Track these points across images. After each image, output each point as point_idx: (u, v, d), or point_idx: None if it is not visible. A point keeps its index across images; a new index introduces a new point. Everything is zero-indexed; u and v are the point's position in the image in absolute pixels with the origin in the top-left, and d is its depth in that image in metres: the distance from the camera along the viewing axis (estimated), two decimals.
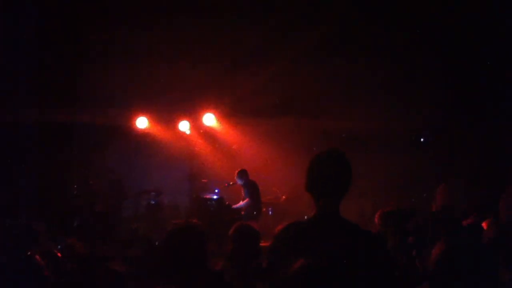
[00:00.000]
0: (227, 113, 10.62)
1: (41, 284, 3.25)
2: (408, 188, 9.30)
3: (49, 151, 9.03)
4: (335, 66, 8.79)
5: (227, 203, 8.92)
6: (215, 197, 9.22)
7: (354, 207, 7.85)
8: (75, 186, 9.60)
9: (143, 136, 10.69)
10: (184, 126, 10.78)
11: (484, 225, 3.82)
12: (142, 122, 10.52)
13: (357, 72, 8.98)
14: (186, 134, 10.97)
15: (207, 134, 11.19)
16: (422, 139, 10.24)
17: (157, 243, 6.41)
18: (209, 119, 10.68)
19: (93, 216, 8.41)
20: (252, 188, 8.76)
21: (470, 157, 9.03)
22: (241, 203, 8.82)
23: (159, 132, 10.94)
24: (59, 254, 3.87)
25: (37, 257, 3.40)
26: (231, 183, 9.16)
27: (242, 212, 8.71)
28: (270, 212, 9.96)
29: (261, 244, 3.66)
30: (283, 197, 10.35)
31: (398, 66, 8.75)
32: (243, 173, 8.74)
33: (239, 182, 8.77)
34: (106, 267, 3.01)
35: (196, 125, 10.91)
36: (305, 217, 2.43)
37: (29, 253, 3.43)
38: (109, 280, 2.86)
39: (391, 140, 9.75)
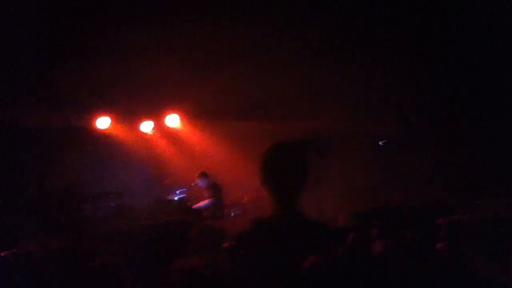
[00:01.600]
0: (191, 115, 10.56)
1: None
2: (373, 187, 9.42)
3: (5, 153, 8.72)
4: (304, 67, 8.86)
5: (188, 203, 8.92)
6: (176, 198, 9.18)
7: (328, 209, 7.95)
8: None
9: (104, 136, 10.47)
10: (146, 126, 10.64)
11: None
12: (103, 122, 10.30)
13: (324, 73, 9.01)
14: (148, 135, 10.84)
15: (170, 135, 11.10)
16: (380, 143, 10.42)
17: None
18: (173, 120, 10.59)
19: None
20: (213, 189, 8.80)
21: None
22: (202, 203, 8.84)
23: (121, 132, 10.75)
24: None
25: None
26: (192, 184, 9.15)
27: (204, 214, 8.70)
28: (232, 214, 9.97)
29: (225, 245, 3.67)
30: (245, 198, 10.38)
31: (373, 64, 8.75)
32: (203, 175, 8.81)
33: (200, 183, 8.82)
34: (104, 260, 2.95)
35: (159, 126, 10.80)
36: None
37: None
38: (108, 271, 2.80)
39: (356, 143, 9.91)
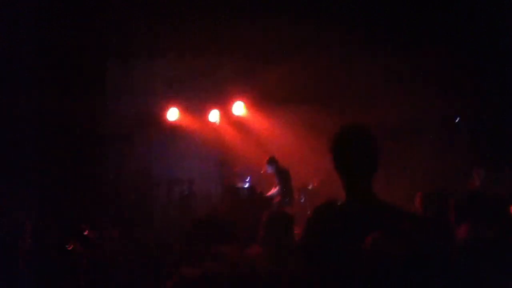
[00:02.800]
0: (257, 101, 10.58)
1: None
2: (444, 171, 9.13)
3: (79, 141, 9.23)
4: (364, 56, 8.71)
5: (259, 191, 8.94)
6: (246, 186, 9.24)
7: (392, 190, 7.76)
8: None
9: (174, 126, 10.78)
10: (214, 115, 10.82)
11: None
12: (173, 114, 10.60)
13: (387, 62, 8.85)
14: (216, 123, 11.01)
15: (237, 123, 11.20)
16: (457, 119, 10.01)
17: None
18: (239, 108, 10.67)
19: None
20: (283, 175, 8.75)
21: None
22: (273, 190, 8.82)
23: (190, 122, 11.01)
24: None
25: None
26: (262, 171, 9.16)
27: (275, 200, 8.71)
28: (302, 199, 9.92)
29: (295, 231, 3.63)
30: (315, 183, 10.28)
31: (425, 55, 8.57)
32: (272, 161, 8.74)
33: (269, 170, 8.78)
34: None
35: (226, 114, 10.93)
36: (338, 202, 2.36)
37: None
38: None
39: (423, 126, 9.62)
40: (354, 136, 2.16)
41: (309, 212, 2.27)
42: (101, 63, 8.75)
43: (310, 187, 10.19)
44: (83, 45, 8.25)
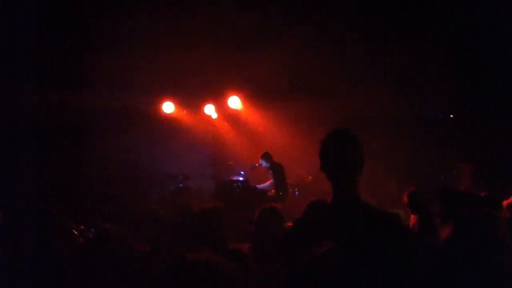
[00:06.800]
0: (252, 96, 10.61)
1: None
2: (432, 168, 9.20)
3: (73, 135, 9.23)
4: (361, 51, 8.76)
5: (252, 184, 9.00)
6: (240, 179, 9.29)
7: (378, 186, 7.84)
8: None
9: (169, 120, 10.80)
10: (209, 109, 10.84)
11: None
12: (168, 107, 10.63)
13: (379, 55, 8.89)
14: (211, 117, 11.03)
15: (232, 117, 11.23)
16: (440, 117, 10.07)
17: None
18: (234, 102, 10.70)
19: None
20: (277, 170, 8.81)
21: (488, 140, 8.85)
22: (266, 184, 8.89)
23: (185, 116, 11.04)
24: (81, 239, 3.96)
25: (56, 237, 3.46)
26: (256, 165, 9.22)
27: (269, 193, 8.78)
28: (296, 193, 9.98)
29: (287, 225, 3.68)
30: (309, 177, 10.34)
31: (414, 48, 8.61)
32: (266, 155, 8.81)
33: (264, 164, 8.84)
34: (131, 246, 3.08)
35: (222, 108, 10.95)
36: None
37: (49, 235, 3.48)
38: (134, 259, 2.93)
39: (411, 121, 9.67)
40: (339, 141, 2.26)
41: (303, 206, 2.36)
42: (92, 57, 8.73)
43: (303, 181, 10.26)
44: (73, 38, 8.25)
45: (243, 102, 10.74)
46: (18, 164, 7.03)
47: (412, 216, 4.08)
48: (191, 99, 10.65)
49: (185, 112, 11.05)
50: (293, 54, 8.89)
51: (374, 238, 1.99)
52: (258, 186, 9.01)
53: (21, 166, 7.00)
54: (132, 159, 10.17)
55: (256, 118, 11.11)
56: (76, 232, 3.63)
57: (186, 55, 8.91)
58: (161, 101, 10.57)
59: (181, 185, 10.03)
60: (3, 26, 6.68)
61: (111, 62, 8.42)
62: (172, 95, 10.54)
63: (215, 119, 11.11)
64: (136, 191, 9.53)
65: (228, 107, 10.77)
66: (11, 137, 7.32)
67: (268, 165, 8.84)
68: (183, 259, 1.43)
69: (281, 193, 8.69)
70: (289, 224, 3.61)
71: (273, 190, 8.80)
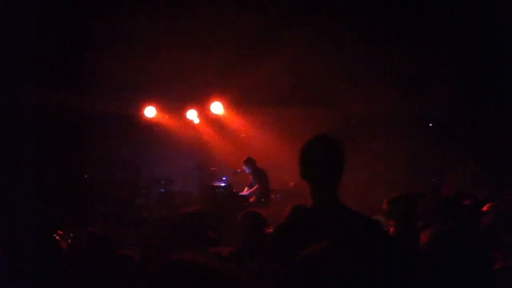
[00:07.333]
0: (235, 102, 10.62)
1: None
2: (420, 171, 9.26)
3: (64, 139, 9.13)
4: (342, 55, 8.79)
5: (234, 190, 9.00)
6: (223, 184, 9.28)
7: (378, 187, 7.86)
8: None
9: (151, 125, 10.74)
10: (192, 114, 10.81)
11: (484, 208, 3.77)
12: (150, 111, 10.57)
13: (364, 61, 8.95)
14: (194, 122, 11.00)
15: (215, 122, 11.22)
16: (430, 124, 10.14)
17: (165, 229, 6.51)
18: (217, 108, 10.69)
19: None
20: (260, 175, 8.84)
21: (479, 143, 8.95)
22: (247, 190, 8.91)
23: (167, 121, 10.99)
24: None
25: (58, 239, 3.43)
26: (238, 170, 9.22)
27: (251, 199, 8.78)
28: (278, 199, 10.00)
29: (269, 231, 3.70)
30: (291, 183, 10.37)
31: (404, 52, 8.67)
32: (249, 161, 8.82)
33: (247, 170, 8.85)
34: (122, 253, 3.07)
35: (204, 113, 10.93)
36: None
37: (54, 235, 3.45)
38: (122, 265, 2.92)
39: (399, 125, 9.73)
40: (318, 147, 2.27)
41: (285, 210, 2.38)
42: (79, 59, 8.66)
43: (286, 186, 10.29)
44: (59, 41, 8.17)
45: (227, 108, 10.74)
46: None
47: (390, 222, 4.12)
48: (174, 103, 10.61)
49: (167, 116, 11.00)
50: (293, 55, 8.91)
51: (357, 240, 2.01)
52: (240, 193, 9.00)
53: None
54: (118, 163, 10.10)
55: (239, 124, 11.13)
56: (57, 237, 3.59)
57: (170, 60, 8.90)
58: (143, 106, 10.51)
59: (162, 189, 9.97)
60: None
61: (94, 63, 8.37)
62: (154, 99, 10.49)
63: (198, 124, 11.08)
64: (121, 194, 9.47)
65: (210, 112, 10.77)
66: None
67: (251, 170, 8.85)
68: (181, 260, 1.43)
69: (263, 199, 8.70)
70: (270, 230, 3.64)
71: (254, 196, 8.80)
